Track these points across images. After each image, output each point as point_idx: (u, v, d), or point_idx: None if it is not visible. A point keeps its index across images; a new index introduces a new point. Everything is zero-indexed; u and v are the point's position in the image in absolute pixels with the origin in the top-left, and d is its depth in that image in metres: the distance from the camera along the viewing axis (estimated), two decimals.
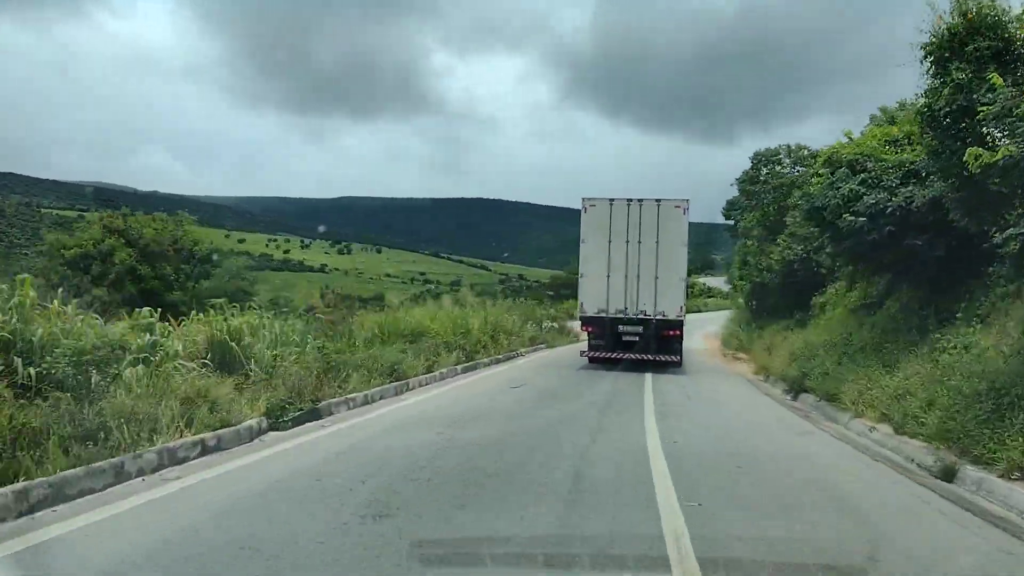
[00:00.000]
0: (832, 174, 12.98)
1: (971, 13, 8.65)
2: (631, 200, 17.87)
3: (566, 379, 15.97)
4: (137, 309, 9.26)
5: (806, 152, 25.22)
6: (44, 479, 5.18)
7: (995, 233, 8.28)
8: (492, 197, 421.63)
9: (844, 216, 12.00)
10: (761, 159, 36.03)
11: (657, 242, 17.59)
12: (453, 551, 4.45)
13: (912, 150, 12.22)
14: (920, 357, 10.23)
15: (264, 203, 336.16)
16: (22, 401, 5.96)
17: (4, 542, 4.42)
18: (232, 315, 10.33)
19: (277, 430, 8.30)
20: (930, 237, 11.02)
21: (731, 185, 38.76)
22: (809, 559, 4.57)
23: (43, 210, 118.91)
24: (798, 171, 26.42)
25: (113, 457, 5.86)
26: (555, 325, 30.54)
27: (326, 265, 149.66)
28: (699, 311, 58.04)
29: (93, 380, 6.65)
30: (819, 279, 20.30)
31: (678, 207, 17.77)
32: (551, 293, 72.64)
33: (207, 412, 7.29)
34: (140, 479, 5.99)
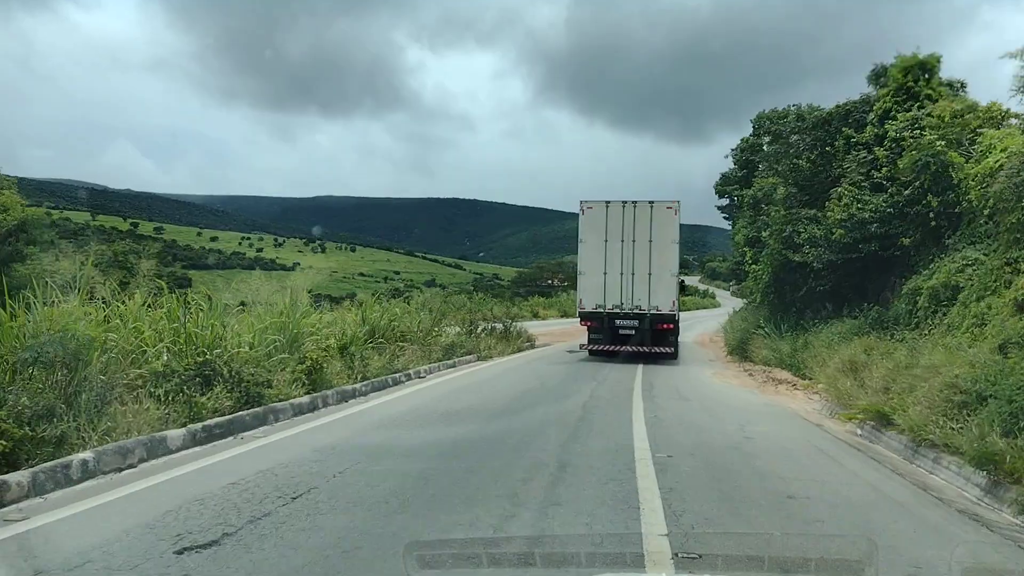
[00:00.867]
0: None
1: None
2: (626, 202, 19.02)
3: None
4: None
5: (820, 115, 19.19)
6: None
7: None
8: (467, 197, 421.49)
9: None
10: (764, 122, 32.36)
11: (650, 241, 18.73)
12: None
13: None
14: None
15: (237, 202, 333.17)
16: None
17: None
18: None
19: None
20: None
21: (724, 157, 36.31)
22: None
23: None
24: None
25: None
26: (499, 327, 22.84)
27: (298, 263, 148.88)
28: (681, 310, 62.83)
29: None
30: (898, 254, 14.88)
31: (669, 208, 18.95)
32: (520, 291, 72.63)
33: None
34: None
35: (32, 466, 5.59)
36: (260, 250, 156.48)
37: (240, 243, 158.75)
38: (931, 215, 13.71)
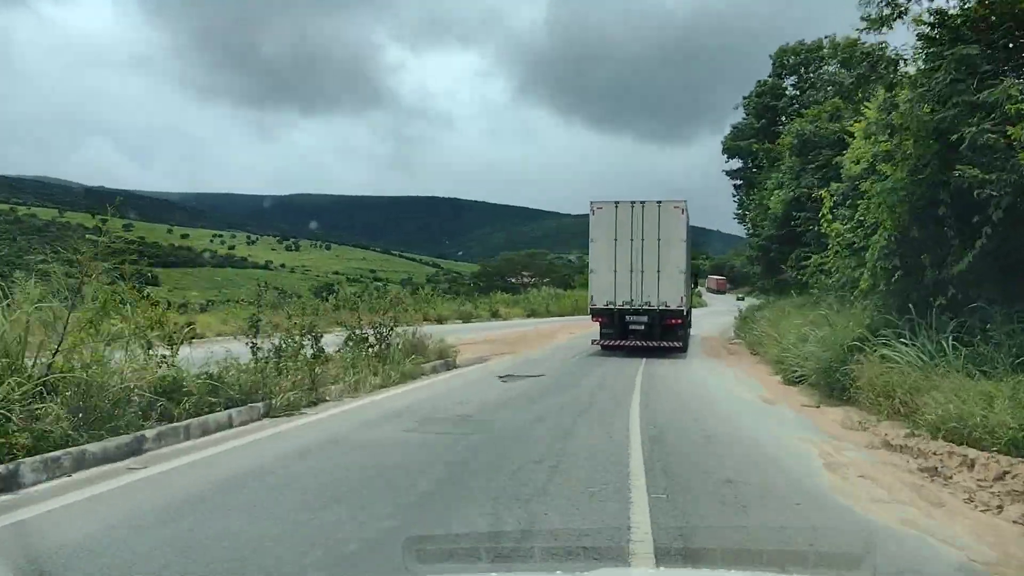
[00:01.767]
0: None
1: None
2: (634, 202, 19.80)
3: None
4: None
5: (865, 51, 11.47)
6: None
7: None
8: (446, 195, 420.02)
9: None
10: (786, 58, 27.73)
11: (659, 239, 19.45)
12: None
13: None
14: None
15: (213, 199, 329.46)
16: None
17: None
18: None
19: None
20: None
21: (735, 108, 31.56)
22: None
23: None
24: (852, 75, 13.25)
25: None
26: (413, 335, 14.12)
27: (271, 262, 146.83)
28: None
29: None
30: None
31: (677, 207, 19.70)
32: (482, 283, 69.56)
33: None
34: None
35: None
36: (232, 248, 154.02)
37: (212, 240, 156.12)
38: None
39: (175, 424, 7.08)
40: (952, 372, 7.91)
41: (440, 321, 30.94)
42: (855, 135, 13.13)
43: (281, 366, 9.35)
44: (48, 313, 6.89)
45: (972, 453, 6.37)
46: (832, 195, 13.43)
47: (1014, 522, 5.12)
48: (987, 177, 8.30)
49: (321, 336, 10.72)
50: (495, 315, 39.25)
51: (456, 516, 4.88)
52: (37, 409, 5.99)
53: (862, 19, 10.61)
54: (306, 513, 4.83)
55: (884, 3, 10.35)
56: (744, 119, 31.16)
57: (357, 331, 12.50)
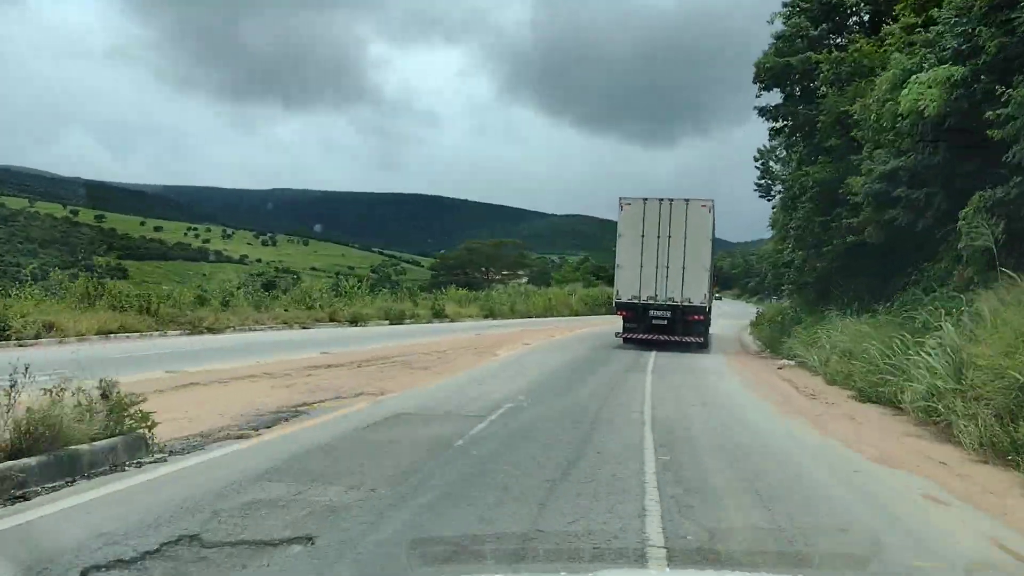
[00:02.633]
0: None
1: None
2: (662, 199, 19.92)
3: None
4: None
5: None
6: None
7: None
8: (431, 193, 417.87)
9: None
10: None
11: (685, 237, 19.58)
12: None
13: None
14: None
15: (194, 192, 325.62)
16: None
17: None
18: None
19: None
20: None
21: (769, 22, 21.87)
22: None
23: None
24: None
25: None
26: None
27: (246, 256, 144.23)
28: None
29: None
30: None
31: (704, 206, 19.86)
32: (441, 276, 62.66)
33: None
34: None
35: None
36: (207, 241, 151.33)
37: (186, 234, 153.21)
38: None
39: None
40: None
41: (356, 322, 25.44)
42: None
43: None
44: None
45: None
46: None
47: None
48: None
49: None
50: (439, 315, 31.86)
51: None
52: None
53: None
54: None
55: None
56: (788, 23, 21.41)
57: None
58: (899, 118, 12.81)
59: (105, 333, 15.98)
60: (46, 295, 17.12)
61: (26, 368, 5.47)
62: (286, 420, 8.13)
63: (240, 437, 7.15)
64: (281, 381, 11.17)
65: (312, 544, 4.23)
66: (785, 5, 21.97)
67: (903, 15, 16.02)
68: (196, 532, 4.36)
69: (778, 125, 24.14)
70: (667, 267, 19.66)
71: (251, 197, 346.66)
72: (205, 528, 4.45)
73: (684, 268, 19.56)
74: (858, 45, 18.51)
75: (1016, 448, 6.43)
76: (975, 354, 7.68)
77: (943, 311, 9.81)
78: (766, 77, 21.81)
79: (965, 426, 7.22)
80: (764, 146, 33.31)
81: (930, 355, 8.86)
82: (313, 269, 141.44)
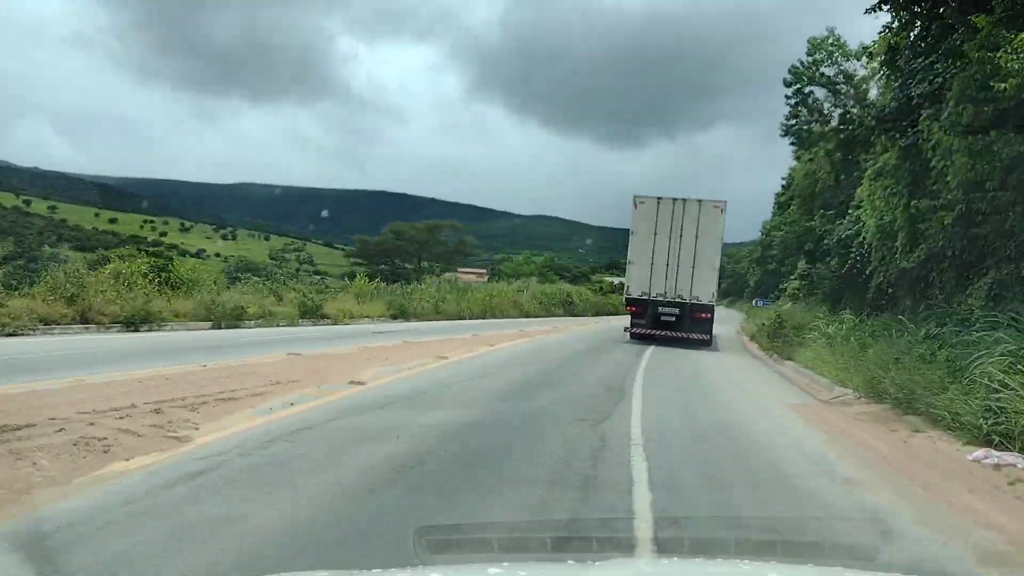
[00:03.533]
0: None
1: None
2: (676, 199, 20.12)
3: None
4: None
5: None
6: None
7: None
8: (397, 191, 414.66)
9: None
10: None
11: (696, 236, 19.81)
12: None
13: None
14: None
15: (154, 185, 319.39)
16: None
17: None
18: None
19: None
20: None
21: None
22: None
23: None
24: None
25: None
26: None
27: (204, 250, 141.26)
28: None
29: None
30: None
31: (716, 207, 19.96)
32: (362, 265, 51.07)
33: None
34: None
35: None
36: (164, 234, 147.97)
37: (142, 226, 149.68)
38: None
39: None
40: None
41: (131, 325, 16.06)
42: None
43: None
44: None
45: None
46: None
47: None
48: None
49: None
50: (310, 314, 22.10)
51: None
52: None
53: None
54: None
55: None
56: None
57: None
58: None
59: None
60: None
61: None
62: None
63: None
64: None
65: None
66: None
67: None
68: None
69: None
70: (677, 265, 20.01)
71: (215, 191, 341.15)
72: None
73: (694, 267, 19.89)
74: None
75: None
76: None
77: None
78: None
79: None
80: (800, 62, 28.23)
81: None
82: (271, 259, 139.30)
